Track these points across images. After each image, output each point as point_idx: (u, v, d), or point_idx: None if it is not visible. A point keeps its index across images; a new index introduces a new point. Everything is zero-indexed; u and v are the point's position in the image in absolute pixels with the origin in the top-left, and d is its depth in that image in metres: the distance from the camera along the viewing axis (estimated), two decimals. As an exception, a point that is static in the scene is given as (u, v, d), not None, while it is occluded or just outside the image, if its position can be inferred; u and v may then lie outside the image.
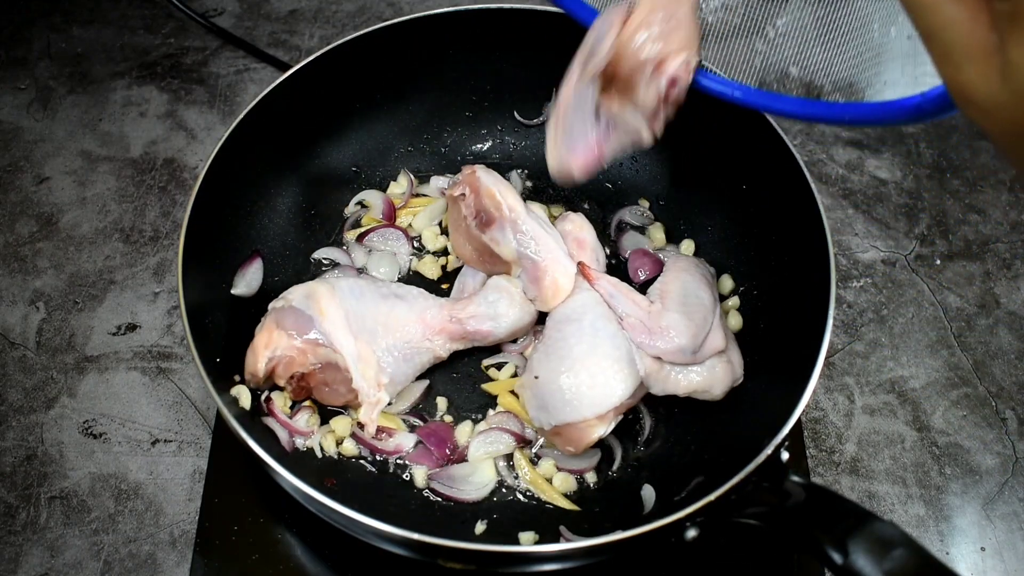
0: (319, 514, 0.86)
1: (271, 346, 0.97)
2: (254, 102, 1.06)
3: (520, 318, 1.06)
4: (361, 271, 1.15)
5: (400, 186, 1.24)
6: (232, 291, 1.06)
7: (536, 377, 0.99)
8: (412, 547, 0.83)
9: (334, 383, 1.00)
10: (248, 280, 1.07)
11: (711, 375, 0.99)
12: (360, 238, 1.18)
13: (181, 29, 1.52)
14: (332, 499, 0.80)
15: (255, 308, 1.05)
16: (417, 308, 1.05)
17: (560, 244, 1.07)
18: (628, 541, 0.79)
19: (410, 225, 1.21)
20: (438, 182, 1.24)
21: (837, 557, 0.68)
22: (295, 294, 1.01)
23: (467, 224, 1.08)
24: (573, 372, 0.96)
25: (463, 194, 1.08)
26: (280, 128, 1.12)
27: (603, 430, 0.97)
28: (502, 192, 1.06)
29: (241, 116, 1.05)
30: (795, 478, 0.79)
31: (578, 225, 1.11)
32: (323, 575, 0.99)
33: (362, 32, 1.13)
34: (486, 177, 1.08)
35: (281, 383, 1.00)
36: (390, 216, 1.20)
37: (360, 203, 1.22)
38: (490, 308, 1.05)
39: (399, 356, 1.02)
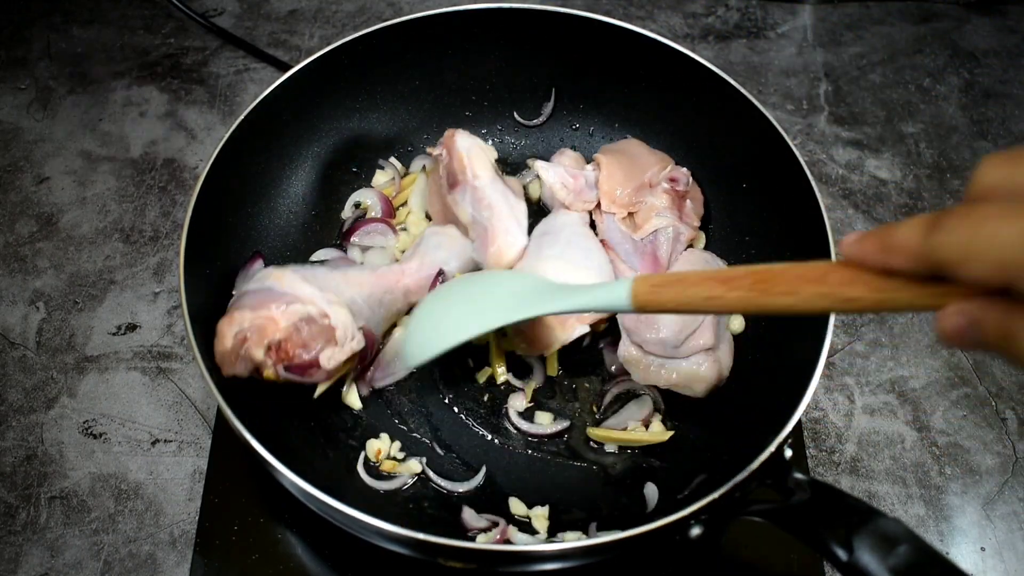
0: (320, 513, 0.86)
1: (234, 324, 0.94)
2: (254, 102, 1.06)
3: (464, 248, 1.11)
4: None
5: (386, 175, 1.24)
6: (234, 292, 1.06)
7: None
8: (412, 546, 0.83)
9: (313, 340, 0.96)
10: (249, 280, 1.07)
11: (694, 372, 0.99)
12: (347, 236, 1.18)
13: (181, 29, 1.52)
14: (333, 497, 0.80)
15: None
16: (369, 268, 1.08)
17: (517, 217, 1.09)
18: (631, 540, 0.79)
19: (404, 205, 1.22)
20: (421, 160, 1.25)
21: (842, 554, 0.68)
22: (247, 283, 1.00)
23: (440, 183, 1.12)
24: (536, 270, 1.02)
25: (440, 154, 1.12)
26: (280, 128, 1.12)
27: (563, 336, 1.01)
28: (471, 157, 1.09)
29: (241, 116, 1.04)
30: (799, 475, 0.79)
31: (574, 161, 1.19)
32: (323, 575, 0.99)
33: (362, 32, 1.13)
34: (462, 141, 1.11)
35: (259, 356, 0.94)
36: (388, 212, 1.20)
37: (356, 204, 1.22)
38: (435, 252, 1.10)
39: (369, 302, 1.03)
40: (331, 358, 0.97)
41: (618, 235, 1.12)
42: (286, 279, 0.98)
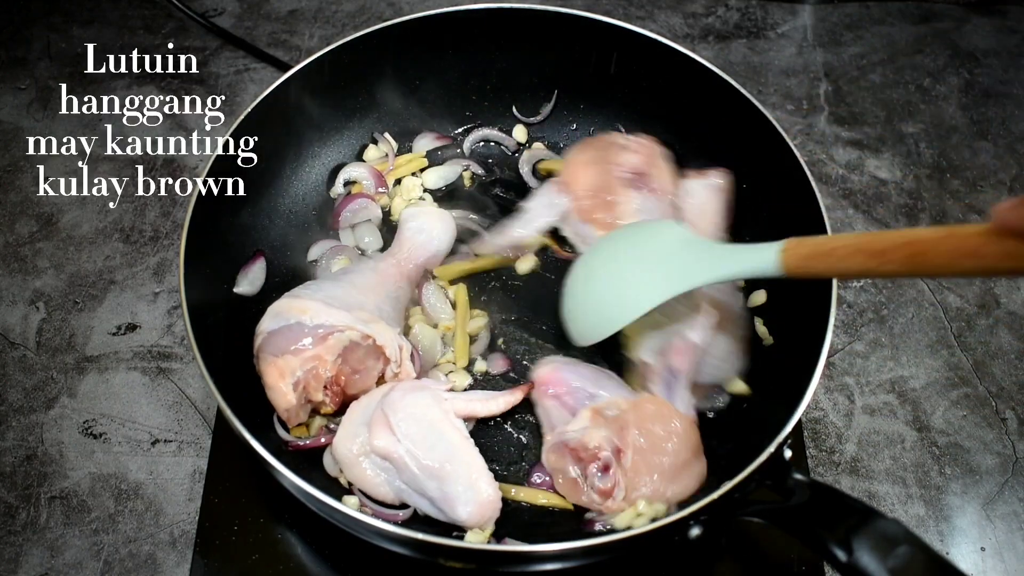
0: (320, 513, 0.86)
1: (287, 373, 0.93)
2: (254, 102, 1.06)
3: (446, 223, 1.13)
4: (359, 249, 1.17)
5: (379, 150, 1.23)
6: (235, 289, 1.06)
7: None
8: (412, 546, 0.83)
9: (362, 363, 0.97)
10: (251, 279, 1.07)
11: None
12: (335, 216, 1.17)
13: (181, 29, 1.52)
14: (333, 498, 0.80)
15: (257, 307, 1.04)
16: (369, 269, 1.07)
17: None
18: (631, 540, 0.79)
19: (398, 183, 1.22)
20: (423, 141, 1.25)
21: (841, 554, 0.68)
22: (264, 323, 0.98)
23: None
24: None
25: None
26: (280, 128, 1.12)
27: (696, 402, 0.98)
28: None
29: (242, 116, 1.04)
30: (798, 476, 0.79)
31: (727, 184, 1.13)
32: (323, 575, 0.99)
33: (362, 32, 1.13)
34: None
35: (319, 397, 0.95)
36: (382, 185, 1.20)
37: (347, 182, 1.20)
38: (417, 236, 1.11)
39: (389, 303, 1.03)
40: (396, 375, 0.99)
41: (594, 239, 1.10)
42: (311, 310, 0.95)
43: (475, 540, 0.90)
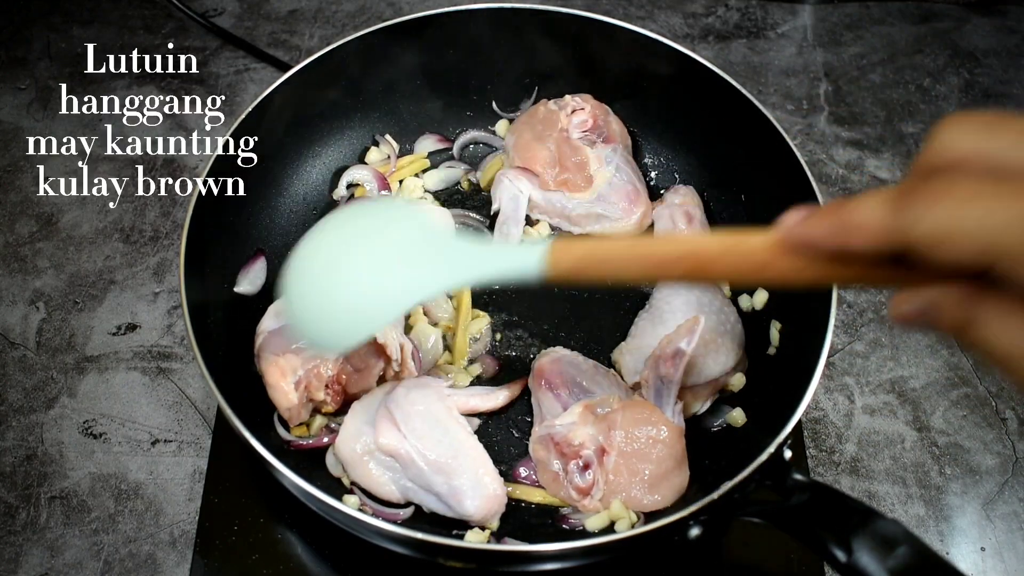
0: (320, 513, 0.86)
1: (287, 372, 0.93)
2: (255, 102, 1.06)
3: (448, 221, 1.10)
4: None
5: (381, 152, 1.23)
6: (235, 289, 1.06)
7: (637, 343, 1.01)
8: (412, 546, 0.83)
9: (363, 362, 0.97)
10: (252, 279, 1.07)
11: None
12: None
13: (181, 29, 1.52)
14: (333, 497, 0.80)
15: (257, 307, 1.04)
16: None
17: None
18: (631, 540, 0.79)
19: (400, 185, 1.22)
20: (425, 143, 1.25)
21: (841, 555, 0.68)
22: (266, 322, 0.98)
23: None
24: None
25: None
26: (280, 128, 1.12)
27: (697, 406, 0.99)
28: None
29: (242, 116, 1.04)
30: (798, 476, 0.79)
31: (689, 198, 1.13)
32: (323, 575, 0.99)
33: (362, 32, 1.13)
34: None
35: (320, 396, 0.95)
36: (384, 187, 1.20)
37: (350, 184, 1.20)
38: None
39: None
40: (397, 375, 0.99)
41: (575, 204, 1.12)
42: None
43: (475, 540, 0.91)
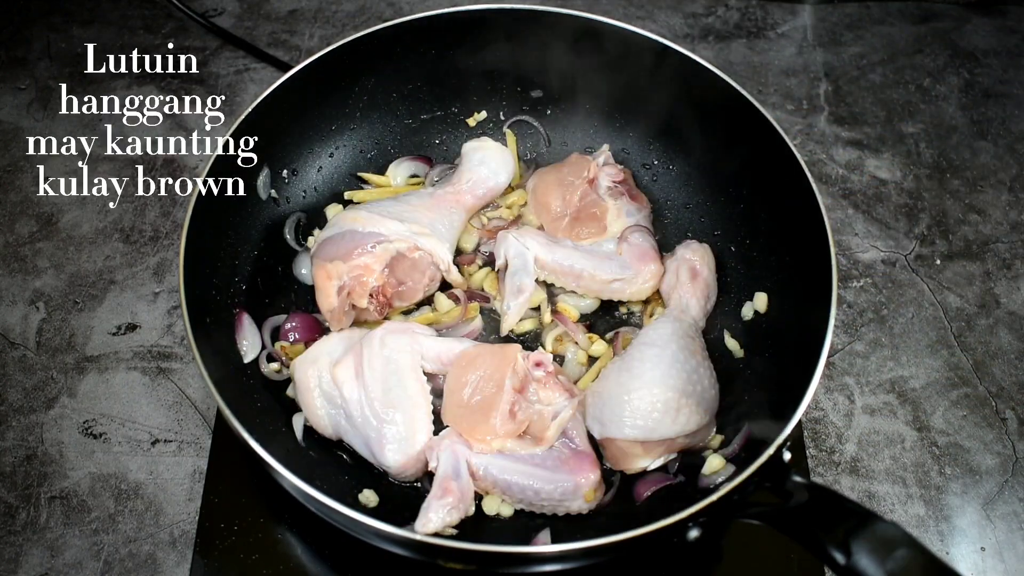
0: (319, 514, 0.86)
1: (333, 276, 0.99)
2: (255, 102, 1.06)
3: (507, 158, 1.16)
4: None
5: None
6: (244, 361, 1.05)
7: (600, 386, 0.99)
8: (412, 547, 0.83)
9: (408, 276, 1.03)
10: (251, 342, 1.07)
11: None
12: None
13: (181, 29, 1.52)
14: (333, 499, 0.80)
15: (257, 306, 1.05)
16: (427, 194, 1.12)
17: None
18: (631, 541, 0.79)
19: None
20: (401, 166, 1.23)
21: (840, 557, 0.68)
22: (325, 231, 1.05)
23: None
24: (636, 392, 0.94)
25: None
26: (280, 128, 1.12)
27: (647, 462, 0.95)
28: None
29: (242, 117, 1.04)
30: (797, 478, 0.79)
31: (699, 255, 1.10)
32: (323, 575, 0.99)
33: (362, 32, 1.13)
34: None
35: (363, 304, 1.00)
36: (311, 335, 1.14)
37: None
38: (479, 168, 1.14)
39: (443, 223, 1.07)
40: (436, 285, 1.06)
41: (589, 253, 1.10)
42: (363, 219, 1.02)
43: (366, 499, 0.93)
